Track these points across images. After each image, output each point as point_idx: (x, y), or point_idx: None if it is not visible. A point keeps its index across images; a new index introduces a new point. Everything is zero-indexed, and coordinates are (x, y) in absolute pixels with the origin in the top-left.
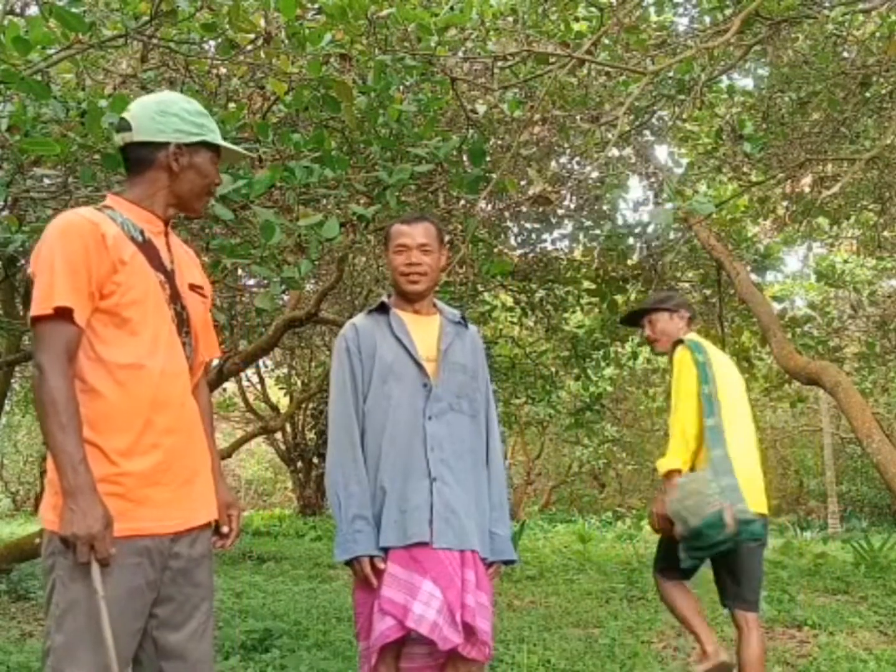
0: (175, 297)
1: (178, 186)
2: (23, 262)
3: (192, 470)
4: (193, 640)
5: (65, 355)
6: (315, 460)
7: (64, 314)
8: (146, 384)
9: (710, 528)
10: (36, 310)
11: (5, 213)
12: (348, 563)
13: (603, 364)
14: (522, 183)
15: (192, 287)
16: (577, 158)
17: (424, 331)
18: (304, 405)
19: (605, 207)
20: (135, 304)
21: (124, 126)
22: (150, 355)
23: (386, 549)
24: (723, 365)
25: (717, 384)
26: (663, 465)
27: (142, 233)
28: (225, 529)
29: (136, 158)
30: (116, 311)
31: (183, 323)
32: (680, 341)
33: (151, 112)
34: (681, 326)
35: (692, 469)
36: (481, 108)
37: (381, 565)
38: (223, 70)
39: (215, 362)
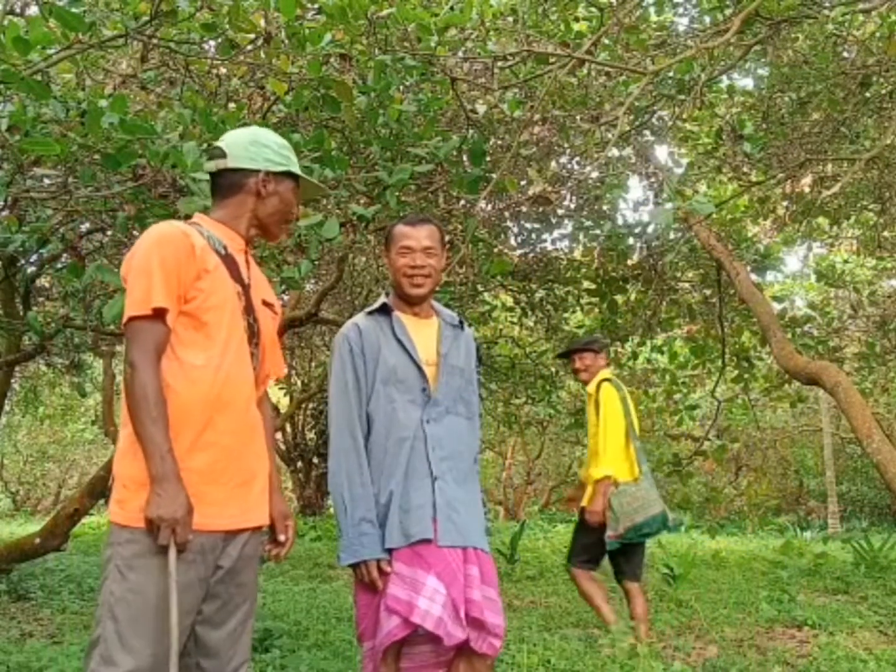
0: (249, 309)
1: (262, 210)
2: (23, 262)
3: (250, 472)
4: (231, 639)
5: (155, 353)
6: (315, 460)
7: (158, 315)
8: (211, 383)
9: (653, 522)
10: (133, 310)
11: (5, 213)
12: (352, 565)
13: None
14: (522, 183)
15: (265, 303)
16: (577, 158)
17: (424, 334)
18: (303, 405)
19: (605, 207)
20: (213, 309)
21: (218, 154)
22: (219, 357)
23: (390, 550)
24: (629, 398)
25: (632, 415)
26: (599, 472)
27: (224, 248)
28: (282, 538)
29: (228, 183)
30: (197, 314)
31: (254, 335)
32: (607, 379)
33: (245, 142)
34: (602, 364)
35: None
36: (481, 108)
37: (388, 568)
38: (223, 70)
39: None
